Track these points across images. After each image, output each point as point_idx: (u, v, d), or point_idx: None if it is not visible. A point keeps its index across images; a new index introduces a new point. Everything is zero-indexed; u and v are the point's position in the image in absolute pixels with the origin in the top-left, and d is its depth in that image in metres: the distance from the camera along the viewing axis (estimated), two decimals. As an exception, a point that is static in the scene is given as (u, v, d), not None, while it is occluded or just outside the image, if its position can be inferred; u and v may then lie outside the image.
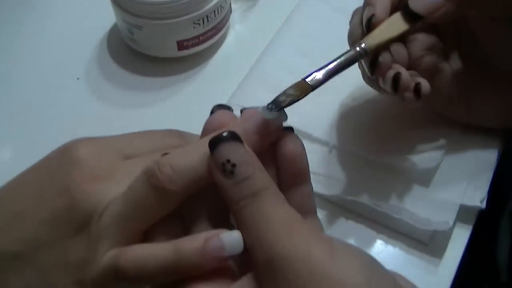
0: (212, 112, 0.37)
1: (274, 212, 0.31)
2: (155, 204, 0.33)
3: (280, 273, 0.29)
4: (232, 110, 0.36)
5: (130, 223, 0.34)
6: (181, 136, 0.41)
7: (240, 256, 0.33)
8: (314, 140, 0.55)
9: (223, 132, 0.32)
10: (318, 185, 0.51)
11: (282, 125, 0.35)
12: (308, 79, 0.38)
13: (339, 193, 0.51)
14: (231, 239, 0.32)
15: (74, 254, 0.35)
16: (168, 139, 0.40)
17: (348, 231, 0.51)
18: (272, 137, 0.35)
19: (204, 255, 0.31)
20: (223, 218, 0.35)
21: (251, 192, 0.32)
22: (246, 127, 0.34)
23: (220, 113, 0.36)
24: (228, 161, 0.32)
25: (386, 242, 0.51)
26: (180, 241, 0.32)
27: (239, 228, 0.32)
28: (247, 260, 0.33)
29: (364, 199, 0.50)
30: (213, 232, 0.32)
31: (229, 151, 0.32)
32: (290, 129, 0.36)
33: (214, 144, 0.32)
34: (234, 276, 0.33)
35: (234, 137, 0.32)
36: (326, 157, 0.53)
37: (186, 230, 0.35)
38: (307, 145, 0.50)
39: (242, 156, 0.32)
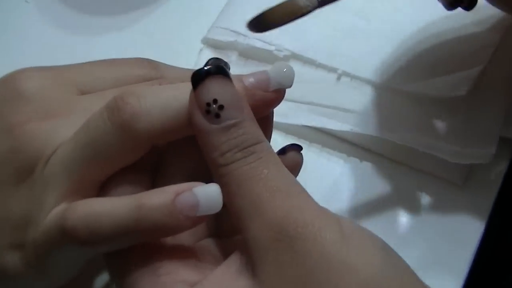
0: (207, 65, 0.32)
1: (275, 177, 0.27)
2: (116, 147, 0.29)
3: (287, 254, 0.25)
4: (229, 68, 0.32)
5: (83, 170, 0.29)
6: (153, 67, 0.36)
7: (217, 217, 0.30)
8: (318, 66, 0.47)
9: (211, 66, 0.28)
10: (324, 119, 0.45)
11: (285, 91, 0.31)
12: None
13: (352, 128, 0.44)
14: (207, 193, 0.27)
15: (14, 209, 0.30)
16: (137, 69, 0.36)
17: (364, 175, 0.44)
18: (271, 103, 0.31)
19: (172, 212, 0.27)
20: (204, 178, 0.30)
21: (241, 144, 0.28)
22: (245, 79, 0.30)
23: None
24: (215, 101, 0.28)
25: (417, 185, 0.43)
26: (143, 195, 0.28)
27: (223, 188, 0.28)
28: (226, 241, 0.31)
29: (383, 133, 0.43)
30: (185, 185, 0.28)
31: (217, 88, 0.28)
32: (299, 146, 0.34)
33: (199, 77, 0.28)
34: (216, 260, 0.30)
35: (224, 73, 0.28)
36: (333, 86, 0.46)
37: (154, 186, 0.30)
38: (310, 72, 0.47)
39: (233, 97, 0.28)
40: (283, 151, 0.33)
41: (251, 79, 0.30)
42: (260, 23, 0.33)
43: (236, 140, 0.28)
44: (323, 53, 0.47)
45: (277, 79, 0.30)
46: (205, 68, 0.28)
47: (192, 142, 0.29)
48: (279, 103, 0.31)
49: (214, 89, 0.28)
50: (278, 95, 0.30)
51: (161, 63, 0.37)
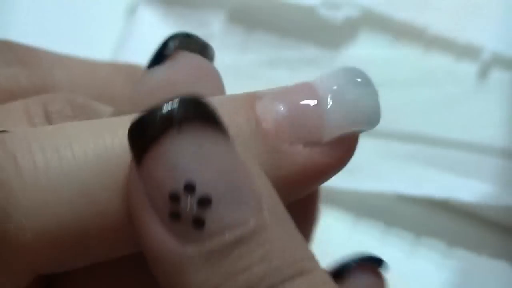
0: (162, 53, 0.17)
1: None
2: None
3: None
4: (212, 56, 0.17)
5: None
6: (24, 61, 0.20)
7: None
8: (430, 43, 0.26)
9: (176, 99, 0.14)
10: (453, 180, 0.25)
11: (357, 139, 0.16)
12: None
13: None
14: None
15: None
16: None
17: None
18: (327, 170, 0.15)
19: None
20: None
21: (259, 281, 0.14)
22: (261, 112, 0.15)
23: (191, 59, 0.17)
24: (189, 188, 0.13)
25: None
26: None
27: None
28: None
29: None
30: None
31: (191, 156, 0.14)
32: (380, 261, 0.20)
33: (149, 133, 0.14)
34: None
35: (211, 117, 0.14)
36: (472, 94, 0.26)
37: None
38: (412, 61, 0.28)
39: (234, 172, 0.14)
40: (339, 273, 0.18)
41: (281, 111, 0.15)
42: None
43: (248, 275, 0.14)
44: (442, 18, 0.28)
45: (346, 108, 0.15)
46: (174, 105, 0.14)
47: (135, 267, 0.17)
48: (343, 167, 0.16)
49: (182, 159, 0.14)
50: (344, 152, 0.15)
51: (41, 49, 0.21)
